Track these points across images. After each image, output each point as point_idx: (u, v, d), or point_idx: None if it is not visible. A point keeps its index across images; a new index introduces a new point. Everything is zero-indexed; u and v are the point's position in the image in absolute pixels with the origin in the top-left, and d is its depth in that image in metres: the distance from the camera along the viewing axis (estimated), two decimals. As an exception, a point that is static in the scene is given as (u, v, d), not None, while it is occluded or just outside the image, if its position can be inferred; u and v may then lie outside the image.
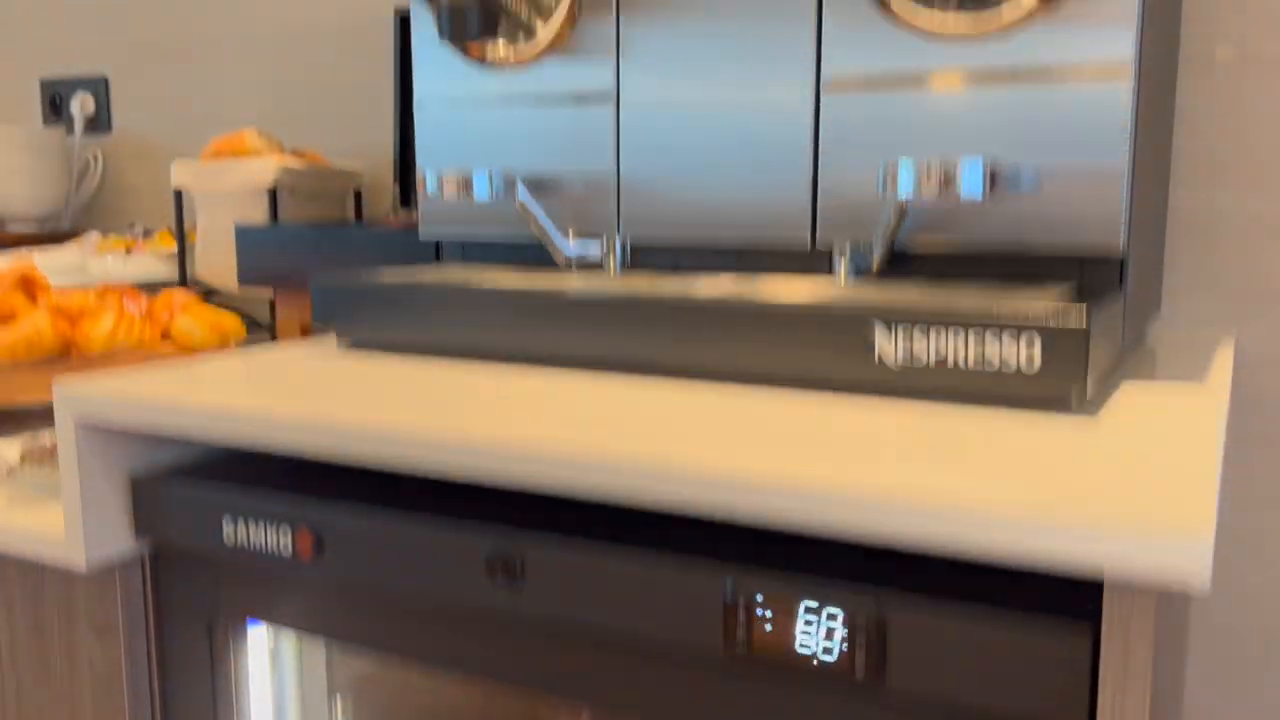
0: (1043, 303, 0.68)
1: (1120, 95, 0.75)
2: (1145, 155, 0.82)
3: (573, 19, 0.89)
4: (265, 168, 1.35)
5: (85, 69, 1.83)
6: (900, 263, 0.84)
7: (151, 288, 1.46)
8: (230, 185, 1.37)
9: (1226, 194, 1.09)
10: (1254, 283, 1.09)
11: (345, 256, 1.18)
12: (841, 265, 0.81)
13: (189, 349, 1.13)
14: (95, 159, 1.82)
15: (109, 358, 1.08)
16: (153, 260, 1.51)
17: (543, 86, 0.93)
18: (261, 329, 1.53)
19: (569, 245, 0.92)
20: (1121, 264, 0.78)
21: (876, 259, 0.80)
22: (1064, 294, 0.75)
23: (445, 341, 0.85)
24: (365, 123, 1.56)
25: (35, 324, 1.05)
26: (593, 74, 0.91)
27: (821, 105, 0.83)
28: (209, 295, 1.48)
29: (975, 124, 0.79)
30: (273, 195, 1.36)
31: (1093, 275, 0.80)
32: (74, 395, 0.76)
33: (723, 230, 0.88)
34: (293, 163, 1.38)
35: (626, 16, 0.89)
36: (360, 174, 1.50)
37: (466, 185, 0.87)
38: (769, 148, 0.85)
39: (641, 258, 0.93)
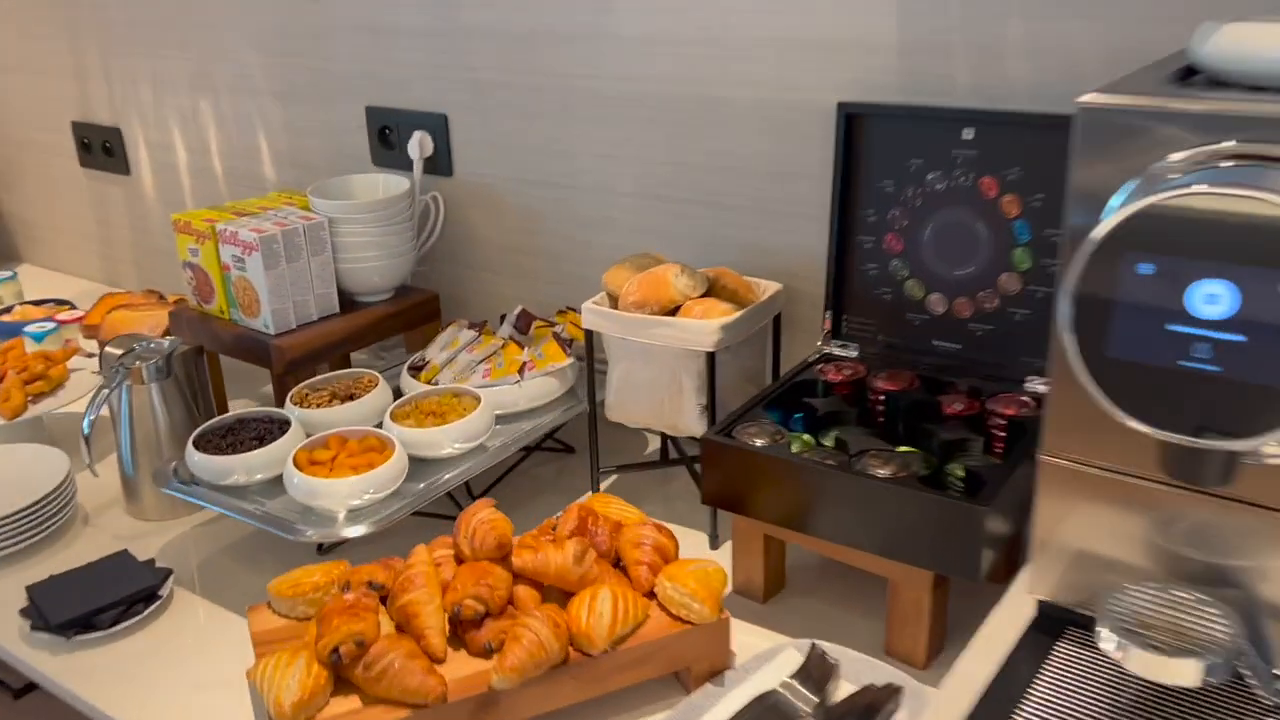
0: None
1: None
2: None
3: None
4: (704, 333, 1.15)
5: (419, 104, 1.62)
6: None
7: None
8: (659, 339, 1.19)
9: None
10: None
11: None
12: None
13: (683, 619, 0.99)
14: (436, 204, 1.64)
15: (609, 656, 0.95)
16: (546, 383, 1.36)
17: None
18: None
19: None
20: None
21: None
22: None
23: None
24: (777, 221, 1.33)
25: (542, 638, 0.92)
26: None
27: None
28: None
29: None
30: (710, 359, 1.17)
31: None
32: None
33: None
34: (728, 315, 1.17)
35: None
36: (780, 295, 1.28)
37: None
38: None
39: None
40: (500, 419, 1.32)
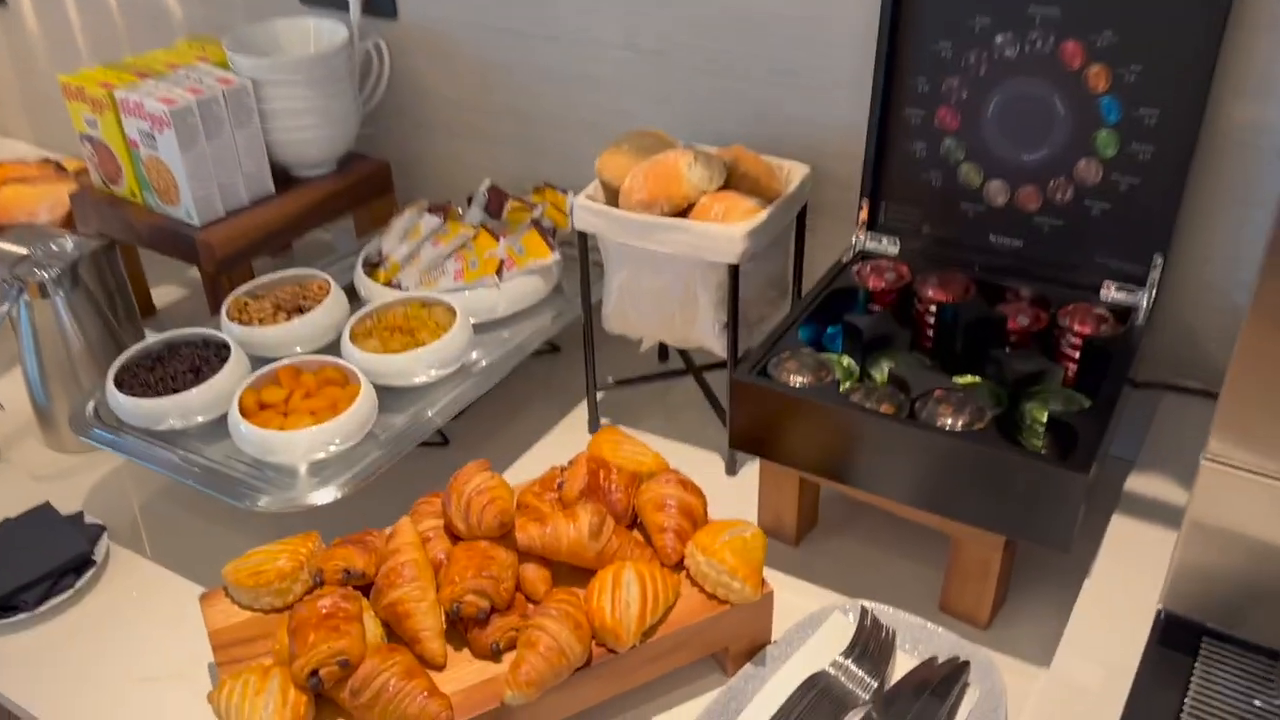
0: None
1: None
2: None
3: None
4: (727, 241, 0.96)
5: (354, -72, 1.33)
6: None
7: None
8: (672, 246, 0.99)
9: None
10: None
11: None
12: None
13: (718, 596, 0.85)
14: (379, 53, 1.38)
15: (639, 649, 0.81)
16: (529, 283, 1.16)
17: None
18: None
19: None
20: None
21: None
22: None
23: None
24: (800, 87, 1.11)
25: (562, 642, 0.77)
26: None
27: None
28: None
29: None
30: (734, 272, 0.98)
31: None
32: None
33: None
34: (752, 215, 0.98)
35: None
36: (808, 180, 1.08)
37: None
38: None
39: None
40: (478, 328, 1.13)
